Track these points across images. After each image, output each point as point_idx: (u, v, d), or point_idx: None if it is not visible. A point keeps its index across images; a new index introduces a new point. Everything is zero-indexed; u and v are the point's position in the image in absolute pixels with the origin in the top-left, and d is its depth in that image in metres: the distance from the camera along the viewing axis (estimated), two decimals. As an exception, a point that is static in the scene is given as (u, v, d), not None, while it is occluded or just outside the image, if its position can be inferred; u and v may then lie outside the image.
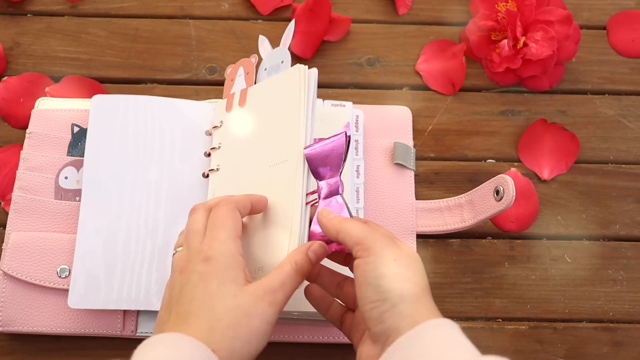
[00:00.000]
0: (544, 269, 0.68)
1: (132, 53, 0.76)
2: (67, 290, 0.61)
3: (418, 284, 0.46)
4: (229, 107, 0.66)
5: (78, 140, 0.68)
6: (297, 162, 0.55)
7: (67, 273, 0.63)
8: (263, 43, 0.69)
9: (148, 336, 0.49)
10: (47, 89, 0.73)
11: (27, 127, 0.69)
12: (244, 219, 0.57)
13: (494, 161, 0.73)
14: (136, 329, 0.63)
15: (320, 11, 0.75)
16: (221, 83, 0.71)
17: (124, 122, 0.66)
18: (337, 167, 0.53)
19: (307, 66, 0.59)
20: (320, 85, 0.73)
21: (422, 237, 0.68)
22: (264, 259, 0.54)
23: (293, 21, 0.67)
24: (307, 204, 0.54)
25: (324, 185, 0.54)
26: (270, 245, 0.52)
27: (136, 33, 0.77)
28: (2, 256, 0.63)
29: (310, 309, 0.55)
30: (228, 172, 0.63)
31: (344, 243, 0.49)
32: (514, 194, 0.60)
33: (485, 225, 0.69)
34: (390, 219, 0.67)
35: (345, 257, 0.55)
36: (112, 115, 0.66)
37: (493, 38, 0.75)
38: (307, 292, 0.54)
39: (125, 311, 0.63)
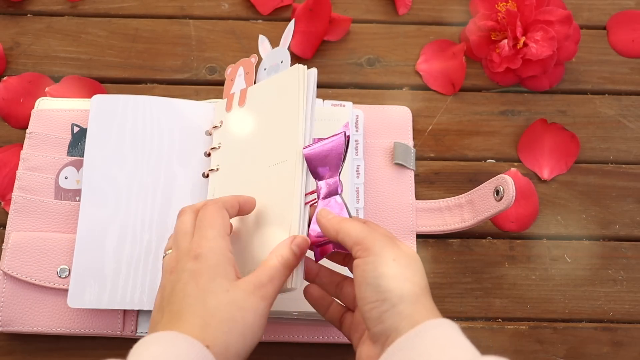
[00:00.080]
0: (544, 269, 0.68)
1: (132, 53, 0.76)
2: (67, 290, 0.61)
3: (418, 284, 0.47)
4: (228, 107, 0.66)
5: (78, 140, 0.68)
6: (296, 162, 0.55)
7: (67, 273, 0.63)
8: (263, 43, 0.69)
9: (148, 336, 0.49)
10: (47, 89, 0.73)
11: (27, 127, 0.69)
12: (235, 222, 0.57)
13: (494, 161, 0.73)
14: (136, 329, 0.63)
15: (320, 11, 0.75)
16: (221, 83, 0.71)
17: (124, 122, 0.66)
18: (336, 167, 0.53)
19: (306, 66, 0.59)
20: (320, 85, 0.74)
21: (422, 237, 0.68)
22: (262, 259, 0.54)
23: (293, 21, 0.67)
24: (306, 204, 0.54)
25: (323, 185, 0.54)
26: (270, 245, 0.52)
27: (136, 33, 0.77)
28: (2, 256, 0.63)
29: (310, 309, 0.55)
30: (228, 172, 0.63)
31: (343, 243, 0.49)
32: (514, 194, 0.60)
33: (485, 225, 0.69)
34: (390, 219, 0.67)
35: (345, 257, 0.55)
36: (112, 115, 0.67)
37: (493, 38, 0.75)
38: (307, 293, 0.54)
39: (125, 311, 0.63)
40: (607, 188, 0.72)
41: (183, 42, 0.77)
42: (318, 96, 0.71)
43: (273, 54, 0.67)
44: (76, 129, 0.68)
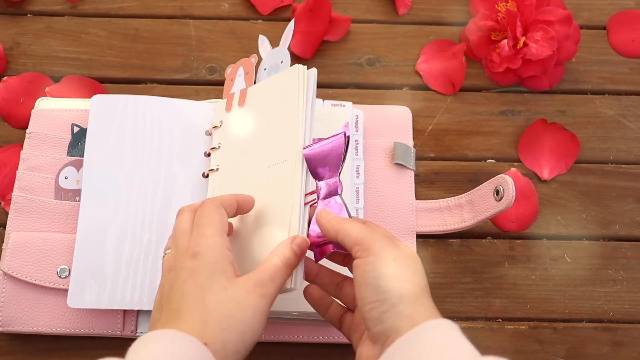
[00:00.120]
0: (544, 269, 0.68)
1: (132, 53, 0.76)
2: (67, 290, 0.61)
3: (417, 284, 0.47)
4: (228, 107, 0.66)
5: (78, 140, 0.68)
6: (296, 163, 0.55)
7: (67, 273, 0.63)
8: (263, 43, 0.69)
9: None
10: (47, 89, 0.73)
11: (27, 127, 0.69)
12: (235, 221, 0.57)
13: (494, 161, 0.73)
14: (136, 329, 0.63)
15: (320, 11, 0.75)
16: (221, 83, 0.71)
17: (124, 122, 0.66)
18: (336, 167, 0.53)
19: (306, 66, 0.59)
20: (320, 85, 0.74)
21: (422, 237, 0.68)
22: (262, 259, 0.54)
23: (292, 21, 0.67)
24: (306, 204, 0.54)
25: (323, 186, 0.54)
26: (269, 245, 0.52)
27: (136, 33, 0.77)
28: (2, 256, 0.63)
29: (310, 309, 0.55)
30: (228, 172, 0.63)
31: (343, 243, 0.49)
32: (514, 194, 0.60)
33: (485, 225, 0.69)
34: (390, 219, 0.67)
35: (345, 257, 0.55)
36: (112, 115, 0.67)
37: (493, 38, 0.75)
38: (306, 293, 0.54)
39: (125, 311, 0.63)
40: (607, 188, 0.72)
41: (183, 42, 0.77)
42: (318, 96, 0.71)
43: (273, 54, 0.67)
44: (76, 129, 0.68)
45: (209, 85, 0.75)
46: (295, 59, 0.75)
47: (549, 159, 0.72)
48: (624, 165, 0.73)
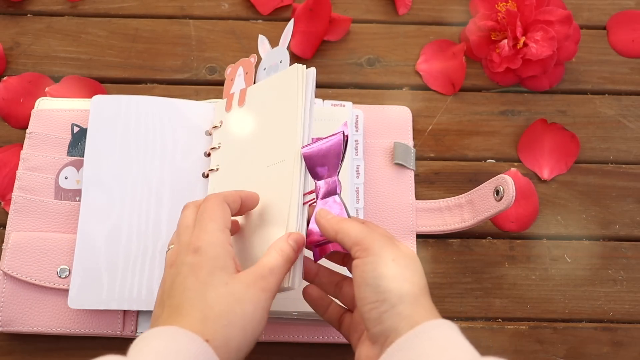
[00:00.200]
0: (544, 269, 0.68)
1: (132, 53, 0.76)
2: (67, 290, 0.61)
3: (417, 285, 0.46)
4: (228, 107, 0.66)
5: (78, 140, 0.68)
6: (295, 162, 0.55)
7: (67, 273, 0.63)
8: (263, 43, 0.69)
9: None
10: (47, 89, 0.73)
11: (27, 127, 0.69)
12: (240, 220, 0.57)
13: (494, 161, 0.73)
14: (136, 329, 0.63)
15: (320, 11, 0.75)
16: (221, 83, 0.71)
17: (124, 122, 0.66)
18: (334, 166, 0.53)
19: (305, 66, 0.59)
20: (320, 85, 0.74)
21: (422, 237, 0.68)
22: (260, 256, 0.54)
23: (292, 20, 0.67)
24: (304, 203, 0.54)
25: (322, 185, 0.53)
26: (267, 243, 0.52)
27: (136, 33, 0.77)
28: (2, 256, 0.63)
29: (309, 309, 0.55)
30: (227, 172, 0.63)
31: (342, 243, 0.49)
32: (514, 194, 0.60)
33: (485, 225, 0.69)
34: (390, 219, 0.67)
35: (344, 257, 0.55)
36: (112, 115, 0.67)
37: (493, 38, 0.75)
38: (305, 294, 0.54)
39: (125, 311, 0.63)
40: (607, 188, 0.72)
41: (183, 42, 0.77)
42: (318, 96, 0.71)
43: (272, 53, 0.67)
44: (76, 129, 0.68)
45: (209, 85, 0.75)
46: (295, 58, 0.75)
47: (549, 159, 0.72)
48: (624, 165, 0.73)
